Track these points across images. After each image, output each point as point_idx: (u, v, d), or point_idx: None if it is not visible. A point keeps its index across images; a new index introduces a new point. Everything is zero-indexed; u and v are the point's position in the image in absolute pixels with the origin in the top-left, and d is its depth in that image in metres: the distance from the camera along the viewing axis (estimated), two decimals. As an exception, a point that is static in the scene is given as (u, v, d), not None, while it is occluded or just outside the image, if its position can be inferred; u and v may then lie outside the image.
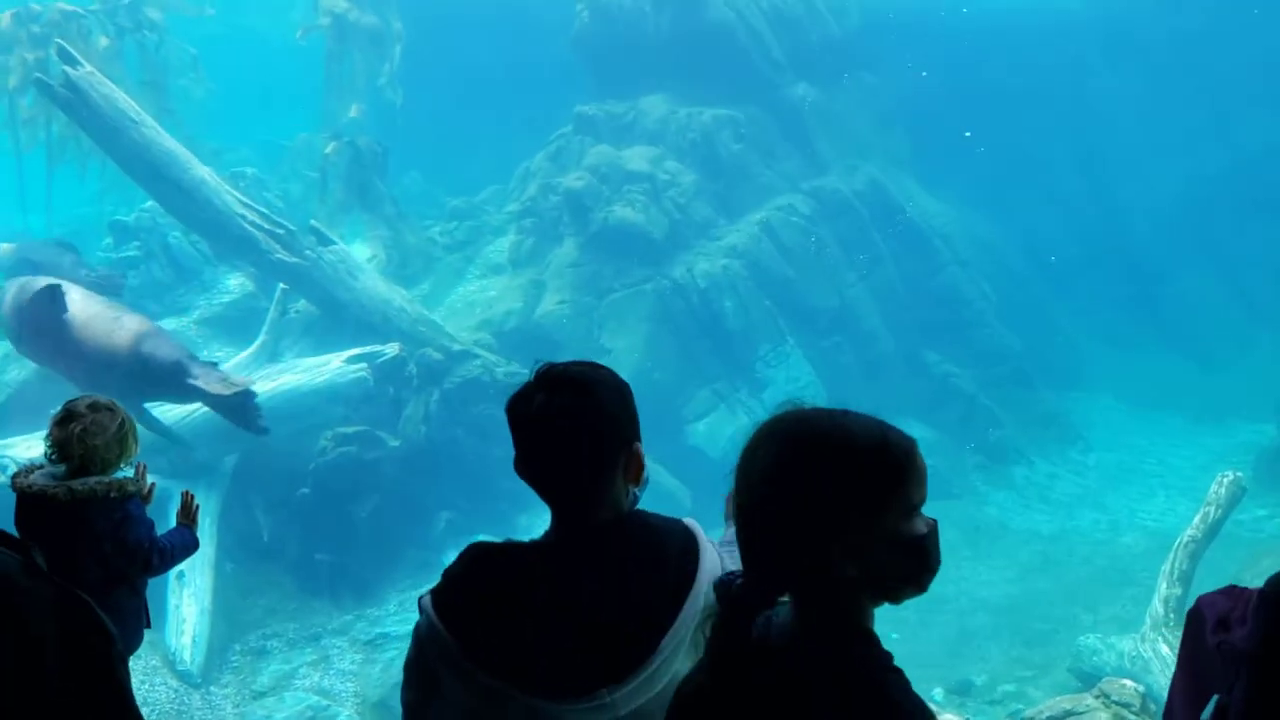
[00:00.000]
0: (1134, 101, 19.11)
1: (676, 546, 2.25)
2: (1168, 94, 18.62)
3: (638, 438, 2.30)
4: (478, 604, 2.17)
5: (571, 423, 2.19)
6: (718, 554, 2.27)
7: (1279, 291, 17.56)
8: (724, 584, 1.86)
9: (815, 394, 14.81)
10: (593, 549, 2.20)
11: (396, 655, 10.54)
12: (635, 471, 2.28)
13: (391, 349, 12.59)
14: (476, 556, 2.25)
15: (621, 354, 13.96)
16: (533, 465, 2.25)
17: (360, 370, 12.27)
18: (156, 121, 12.64)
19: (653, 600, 2.17)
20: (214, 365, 10.94)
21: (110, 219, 15.23)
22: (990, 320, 16.93)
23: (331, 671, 10.49)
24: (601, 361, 2.36)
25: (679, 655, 2.15)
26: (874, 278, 16.34)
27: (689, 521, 2.34)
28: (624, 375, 2.35)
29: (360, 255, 14.48)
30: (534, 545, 2.25)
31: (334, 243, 13.17)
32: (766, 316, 15.04)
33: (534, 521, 12.52)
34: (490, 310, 14.89)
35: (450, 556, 2.17)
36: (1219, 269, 18.52)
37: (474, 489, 12.30)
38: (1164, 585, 9.78)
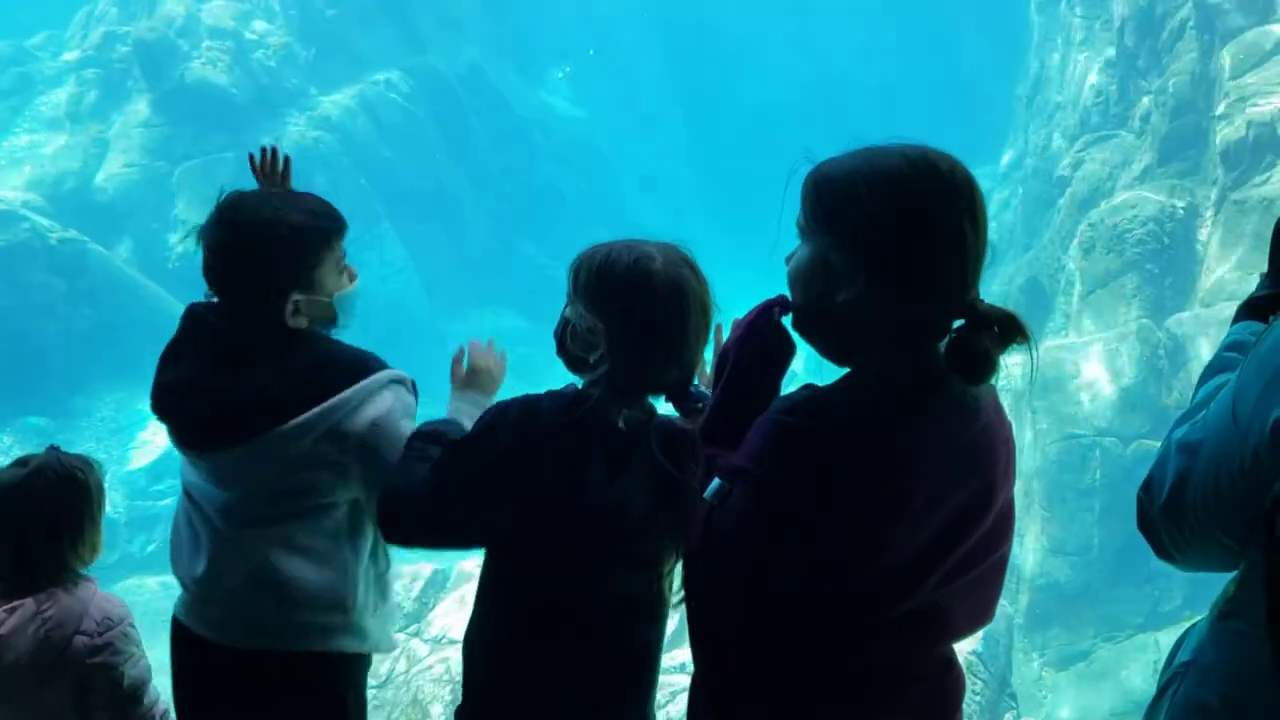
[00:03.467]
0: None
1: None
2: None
3: None
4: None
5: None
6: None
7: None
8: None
9: (410, 279, 14.58)
10: None
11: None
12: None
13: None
14: None
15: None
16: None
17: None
18: None
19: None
20: None
21: None
22: (583, 216, 17.32)
23: None
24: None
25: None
26: (472, 165, 16.18)
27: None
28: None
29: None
30: None
31: None
32: (361, 196, 14.50)
33: (92, 404, 11.52)
34: (43, 169, 13.59)
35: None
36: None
37: (23, 366, 11.10)
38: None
